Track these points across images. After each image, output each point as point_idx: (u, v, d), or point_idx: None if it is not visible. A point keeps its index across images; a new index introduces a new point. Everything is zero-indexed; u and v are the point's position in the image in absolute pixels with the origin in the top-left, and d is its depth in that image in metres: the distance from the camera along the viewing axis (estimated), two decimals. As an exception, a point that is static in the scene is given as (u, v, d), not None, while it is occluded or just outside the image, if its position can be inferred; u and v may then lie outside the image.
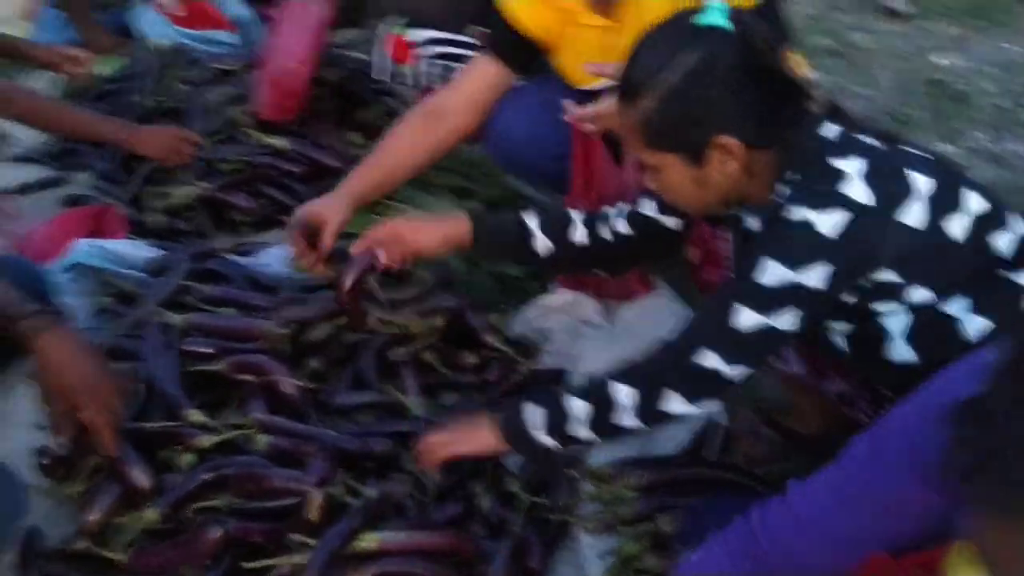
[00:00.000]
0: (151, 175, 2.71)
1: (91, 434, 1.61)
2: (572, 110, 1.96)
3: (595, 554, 1.63)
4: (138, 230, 2.51)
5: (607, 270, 1.97)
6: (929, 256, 1.36)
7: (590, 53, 2.04)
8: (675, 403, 1.42)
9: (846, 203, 1.31)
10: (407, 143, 2.07)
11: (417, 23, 2.76)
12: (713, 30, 1.36)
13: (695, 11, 1.39)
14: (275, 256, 2.38)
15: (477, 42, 2.79)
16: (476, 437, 1.58)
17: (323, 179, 2.62)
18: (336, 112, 2.78)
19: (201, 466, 1.67)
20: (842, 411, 1.82)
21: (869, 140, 1.42)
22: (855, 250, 1.32)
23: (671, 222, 1.75)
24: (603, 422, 1.47)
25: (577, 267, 1.97)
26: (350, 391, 1.92)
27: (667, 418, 1.45)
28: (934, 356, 1.34)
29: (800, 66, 2.09)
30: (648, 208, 1.74)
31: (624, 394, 1.44)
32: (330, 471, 1.62)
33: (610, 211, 1.79)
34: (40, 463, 1.79)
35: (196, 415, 1.78)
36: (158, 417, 1.79)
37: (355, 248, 1.87)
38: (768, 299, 1.33)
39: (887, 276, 1.36)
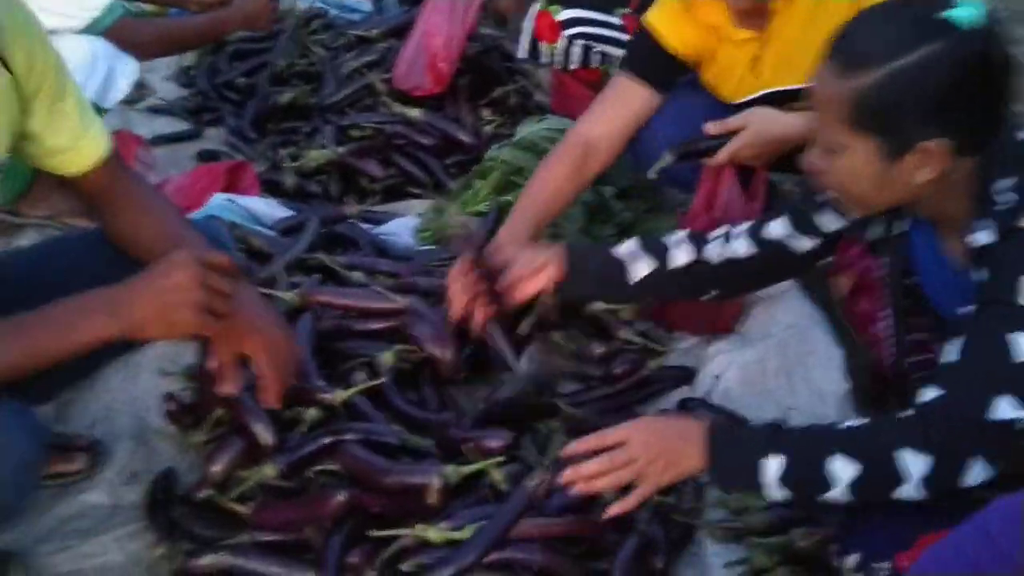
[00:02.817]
0: (286, 137, 2.74)
1: (259, 383, 1.48)
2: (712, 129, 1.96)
3: (720, 563, 1.56)
4: (269, 189, 2.53)
5: (717, 295, 1.78)
6: None
7: (737, 67, 2.01)
8: (978, 470, 1.23)
9: None
10: (560, 179, 2.01)
11: (568, 1, 2.72)
12: (955, 27, 1.24)
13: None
14: (402, 226, 2.38)
15: (622, 23, 2.74)
16: (681, 461, 1.37)
17: (453, 153, 2.61)
18: (471, 87, 2.75)
19: (322, 430, 1.66)
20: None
21: None
22: None
23: (803, 244, 1.63)
24: (874, 490, 1.28)
25: (679, 293, 1.82)
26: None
27: (958, 490, 1.25)
28: None
29: None
30: (778, 229, 1.63)
31: (914, 462, 1.24)
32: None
33: (723, 232, 1.70)
34: (167, 410, 1.81)
35: (318, 383, 1.76)
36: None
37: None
38: None
39: None
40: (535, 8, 2.75)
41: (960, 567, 1.06)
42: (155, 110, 3.09)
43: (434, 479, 1.49)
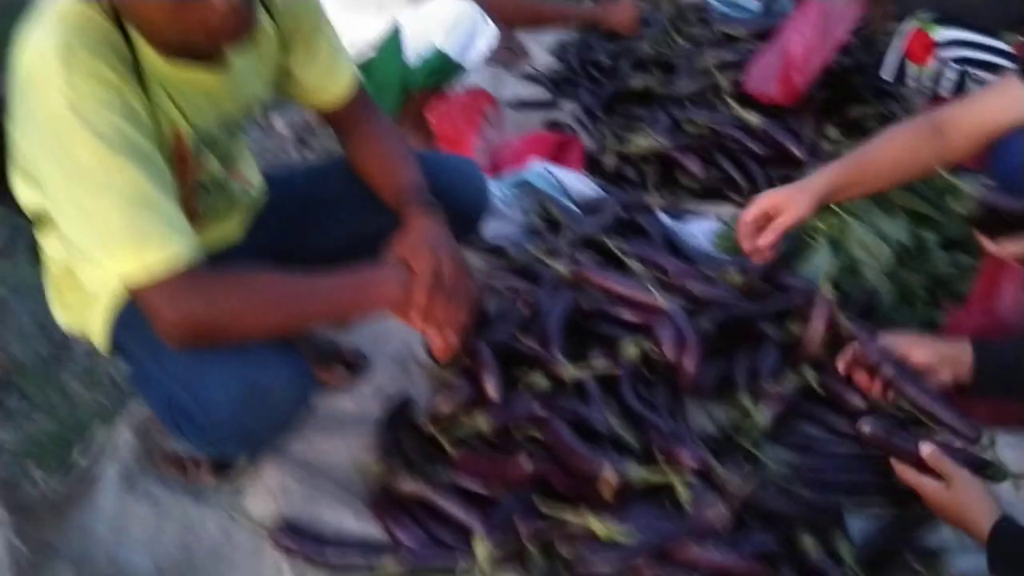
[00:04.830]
0: (629, 121, 2.80)
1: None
2: (991, 247, 1.71)
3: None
4: (591, 167, 2.61)
5: None
6: None
7: None
8: None
9: None
10: (899, 150, 1.80)
11: (949, 20, 2.47)
12: None
13: None
14: (702, 228, 2.34)
15: (1012, 50, 2.44)
16: (967, 527, 1.46)
17: (782, 166, 2.51)
18: (823, 102, 2.61)
19: (540, 400, 1.71)
20: None
21: None
22: None
23: None
24: None
25: None
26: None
27: None
28: None
29: None
30: None
31: None
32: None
33: None
34: (425, 346, 1.96)
35: (558, 355, 1.81)
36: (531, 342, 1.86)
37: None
38: None
39: None
40: (909, 25, 2.53)
41: None
42: (527, 76, 3.30)
43: (610, 473, 1.48)
